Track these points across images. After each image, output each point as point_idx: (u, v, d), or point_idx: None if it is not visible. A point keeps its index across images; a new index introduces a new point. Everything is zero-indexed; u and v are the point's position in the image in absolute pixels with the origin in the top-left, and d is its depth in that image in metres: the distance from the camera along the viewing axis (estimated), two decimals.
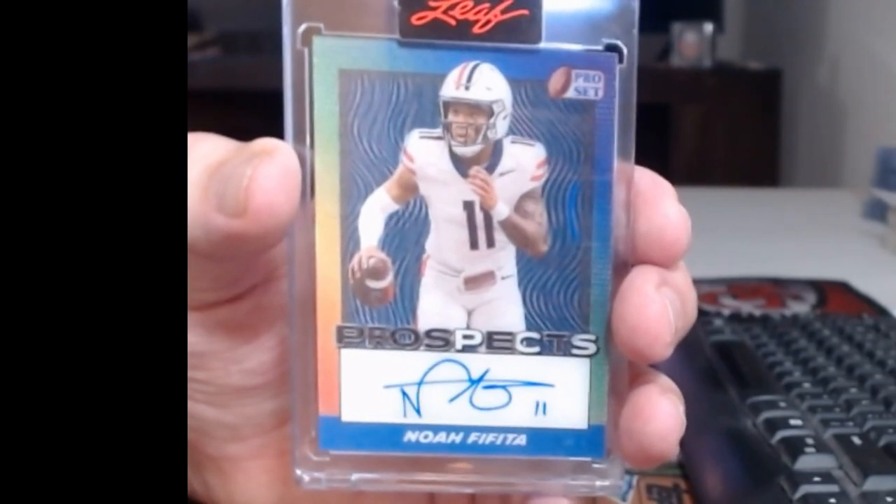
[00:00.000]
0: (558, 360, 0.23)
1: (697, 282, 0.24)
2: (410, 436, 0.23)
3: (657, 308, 0.22)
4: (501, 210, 0.23)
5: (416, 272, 0.23)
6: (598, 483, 0.24)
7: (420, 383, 0.23)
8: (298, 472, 0.23)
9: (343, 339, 0.23)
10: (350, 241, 0.23)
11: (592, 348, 0.23)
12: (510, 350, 0.23)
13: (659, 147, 1.67)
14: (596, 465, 0.24)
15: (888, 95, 1.31)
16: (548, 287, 0.23)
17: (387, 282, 0.23)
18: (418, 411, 0.23)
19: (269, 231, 0.21)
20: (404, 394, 0.23)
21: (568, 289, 0.23)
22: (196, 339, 0.24)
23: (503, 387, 0.23)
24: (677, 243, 0.23)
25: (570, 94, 0.22)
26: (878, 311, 0.60)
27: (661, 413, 0.23)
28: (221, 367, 0.24)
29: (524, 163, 0.23)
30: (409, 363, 0.23)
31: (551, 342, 0.23)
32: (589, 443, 0.24)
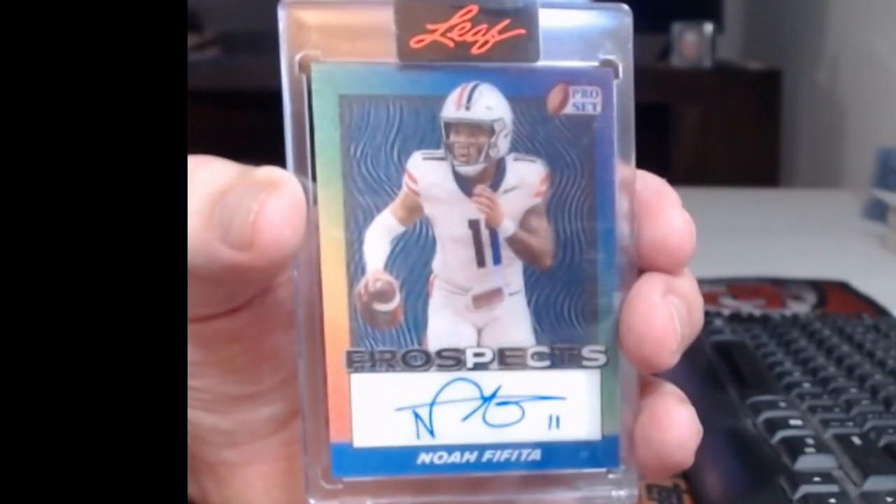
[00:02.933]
0: (569, 373, 0.23)
1: (697, 282, 0.24)
2: (424, 457, 0.23)
3: (663, 316, 0.22)
4: (507, 227, 0.23)
5: (424, 293, 0.23)
6: (615, 493, 0.24)
7: (432, 404, 0.23)
8: (312, 501, 0.23)
9: (353, 363, 0.23)
10: (356, 265, 0.22)
11: (602, 359, 0.23)
12: (521, 365, 0.23)
13: (659, 147, 1.67)
14: (612, 476, 0.24)
15: (888, 95, 1.31)
16: (556, 301, 0.23)
17: (394, 304, 0.23)
18: (431, 432, 0.23)
19: (275, 263, 0.21)
20: (417, 415, 0.23)
21: (576, 301, 0.23)
22: (192, 349, 0.24)
23: (516, 402, 0.23)
24: (682, 250, 0.23)
25: (569, 109, 0.23)
26: (878, 311, 0.60)
27: (679, 422, 0.23)
28: (218, 376, 0.24)
29: (527, 179, 0.23)
30: (420, 384, 0.23)
31: (561, 355, 0.23)
32: (604, 453, 0.24)
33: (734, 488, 0.34)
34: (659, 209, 0.23)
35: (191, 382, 0.24)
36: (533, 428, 0.23)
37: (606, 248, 0.23)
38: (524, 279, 0.23)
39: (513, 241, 0.23)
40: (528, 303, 0.23)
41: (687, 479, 0.37)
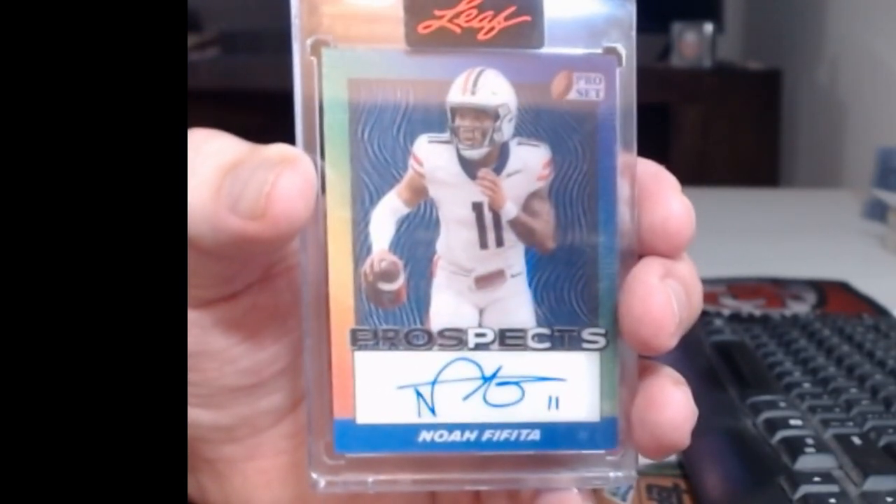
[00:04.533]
0: (569, 355, 0.24)
1: None
2: (425, 435, 0.23)
3: (661, 298, 0.22)
4: (510, 210, 0.23)
5: (428, 273, 0.23)
6: (613, 474, 0.24)
7: (434, 383, 0.23)
8: (314, 475, 0.23)
9: (357, 341, 0.23)
10: (362, 244, 0.23)
11: (602, 342, 0.24)
12: (522, 346, 0.24)
13: (659, 147, 1.66)
14: (609, 457, 0.24)
15: (888, 95, 1.31)
16: (557, 283, 0.24)
17: (399, 284, 0.23)
18: (433, 411, 0.23)
19: (283, 236, 0.21)
20: (419, 394, 0.23)
21: (576, 284, 0.24)
22: (191, 339, 0.24)
23: (516, 383, 0.24)
24: (681, 234, 0.23)
25: (573, 95, 0.23)
26: (878, 311, 0.60)
27: (675, 403, 0.23)
28: (216, 368, 0.24)
29: (530, 163, 0.23)
30: (422, 363, 0.23)
31: (562, 337, 0.24)
32: (602, 435, 0.24)
33: (734, 488, 0.34)
34: (658, 194, 0.23)
35: (189, 377, 0.24)
36: (532, 408, 0.24)
37: (607, 232, 0.23)
38: (526, 261, 0.23)
39: (515, 224, 0.23)
40: (530, 285, 0.24)
41: (687, 478, 0.37)
